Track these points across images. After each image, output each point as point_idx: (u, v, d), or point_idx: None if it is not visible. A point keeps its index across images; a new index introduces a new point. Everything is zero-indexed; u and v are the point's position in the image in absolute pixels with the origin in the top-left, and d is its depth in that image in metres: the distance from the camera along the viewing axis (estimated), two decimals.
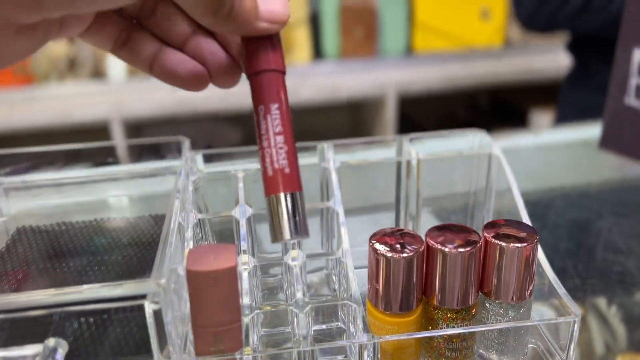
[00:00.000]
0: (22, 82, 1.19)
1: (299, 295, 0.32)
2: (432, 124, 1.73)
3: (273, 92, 0.27)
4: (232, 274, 0.27)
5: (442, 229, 0.30)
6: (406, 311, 0.30)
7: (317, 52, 1.40)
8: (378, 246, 0.29)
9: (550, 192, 0.55)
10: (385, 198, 0.44)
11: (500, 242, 0.29)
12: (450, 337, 0.30)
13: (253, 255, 0.36)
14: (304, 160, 0.45)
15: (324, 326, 0.36)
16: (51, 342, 0.26)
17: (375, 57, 1.39)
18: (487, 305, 0.31)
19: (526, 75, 1.42)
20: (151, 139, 0.40)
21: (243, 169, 0.38)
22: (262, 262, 0.35)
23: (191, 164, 0.38)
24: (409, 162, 0.40)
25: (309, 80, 1.30)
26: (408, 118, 1.56)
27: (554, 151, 0.65)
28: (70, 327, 0.27)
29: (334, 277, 0.39)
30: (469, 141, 0.45)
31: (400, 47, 1.42)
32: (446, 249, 0.29)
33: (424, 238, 0.30)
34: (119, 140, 1.18)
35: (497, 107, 1.67)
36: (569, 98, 0.93)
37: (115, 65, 1.23)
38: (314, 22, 1.39)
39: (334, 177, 0.37)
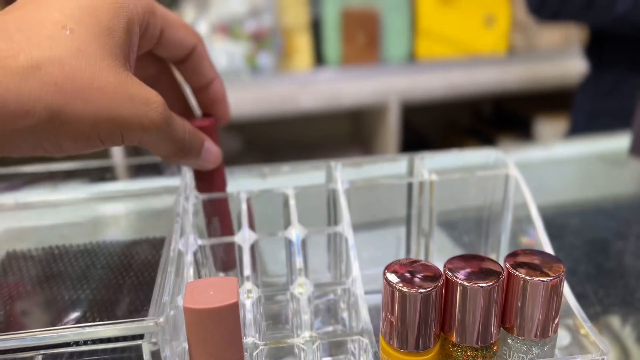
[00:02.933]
0: None
1: (306, 333, 0.30)
2: (434, 132, 1.71)
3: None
4: (233, 310, 0.25)
5: (461, 260, 0.28)
6: (423, 349, 0.28)
7: (319, 58, 1.38)
8: (393, 279, 0.27)
9: (565, 209, 0.53)
10: (393, 214, 0.42)
11: (524, 275, 0.27)
12: None
13: (257, 283, 0.34)
14: (310, 179, 0.43)
15: (331, 359, 0.34)
16: None
17: (377, 64, 1.37)
18: (509, 341, 0.29)
19: (530, 83, 1.40)
20: (152, 157, 0.38)
21: (246, 190, 0.36)
22: (266, 292, 0.32)
23: (191, 184, 0.36)
24: (421, 183, 0.37)
25: (310, 87, 1.28)
26: (410, 126, 1.55)
27: (566, 165, 0.63)
28: None
29: (342, 305, 0.37)
30: (482, 158, 0.43)
31: (403, 54, 1.40)
32: (467, 284, 0.27)
33: (440, 267, 0.28)
34: (119, 159, 1.16)
35: (500, 115, 1.65)
36: (583, 103, 0.91)
37: None
38: (316, 28, 1.37)
39: (342, 200, 0.35)
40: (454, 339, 0.28)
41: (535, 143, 1.47)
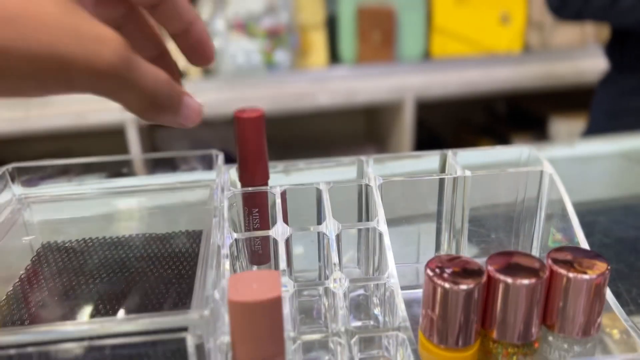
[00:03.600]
0: None
1: (343, 328, 0.30)
2: (448, 130, 1.70)
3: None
4: (277, 304, 0.25)
5: (503, 256, 0.28)
6: (464, 346, 0.28)
7: (334, 56, 1.38)
8: (436, 276, 0.27)
9: (592, 207, 0.52)
10: (421, 210, 0.41)
11: (568, 273, 0.27)
12: None
13: (292, 277, 0.34)
14: (337, 175, 0.43)
15: (365, 355, 0.34)
16: None
17: (392, 62, 1.37)
18: (550, 339, 0.29)
19: (546, 81, 1.39)
20: (184, 152, 0.38)
21: (286, 183, 0.36)
22: (302, 287, 0.32)
23: (227, 177, 0.36)
24: (455, 180, 0.37)
25: (326, 84, 1.28)
26: (424, 124, 1.54)
27: (589, 163, 0.62)
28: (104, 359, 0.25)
29: (375, 300, 0.36)
30: (514, 155, 0.42)
31: (418, 52, 1.39)
32: (509, 280, 0.27)
33: (483, 265, 0.28)
34: (137, 154, 1.16)
35: (514, 114, 1.64)
36: (602, 102, 0.90)
37: None
38: (331, 26, 1.37)
39: (377, 196, 0.35)
40: (494, 335, 0.28)
41: (557, 141, 1.46)
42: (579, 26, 1.46)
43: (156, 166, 0.42)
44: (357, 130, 1.61)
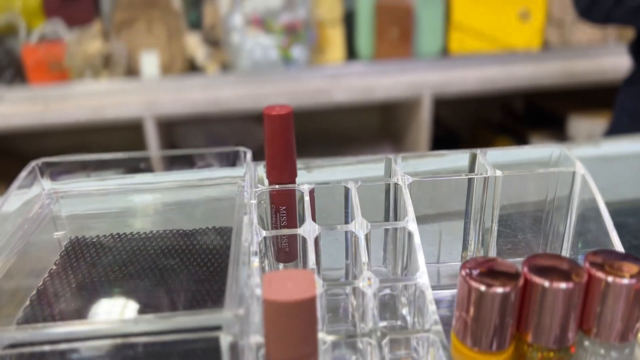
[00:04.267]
0: (57, 79, 1.19)
1: (372, 325, 0.29)
2: (464, 127, 1.69)
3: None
4: (312, 304, 0.25)
5: (540, 258, 0.28)
6: (498, 349, 0.27)
7: (351, 52, 1.37)
8: (471, 278, 0.27)
9: (620, 207, 0.51)
10: (448, 209, 0.41)
11: (607, 277, 0.26)
12: None
13: (319, 275, 0.34)
14: (357, 173, 0.43)
15: (393, 356, 0.33)
16: None
17: (410, 59, 1.36)
18: (586, 343, 0.28)
19: (565, 79, 1.37)
20: (209, 149, 0.38)
21: (308, 181, 0.36)
22: (332, 286, 0.32)
23: (255, 175, 0.36)
24: (486, 179, 0.37)
25: (343, 80, 1.28)
26: (441, 121, 1.53)
27: (615, 163, 0.61)
28: (136, 357, 0.25)
29: (402, 300, 0.36)
30: (543, 154, 0.42)
31: (436, 49, 1.38)
32: (547, 284, 0.26)
33: (519, 268, 0.27)
34: (156, 150, 1.17)
35: (532, 112, 1.62)
36: (626, 102, 0.89)
37: (149, 64, 1.22)
38: (349, 22, 1.36)
39: (406, 195, 0.35)
40: (529, 339, 0.28)
41: (577, 140, 1.44)
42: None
43: (173, 162, 0.42)
44: (373, 126, 1.61)
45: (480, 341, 0.27)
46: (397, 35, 1.34)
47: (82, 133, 1.26)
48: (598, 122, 1.41)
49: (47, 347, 0.24)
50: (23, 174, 0.35)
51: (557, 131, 1.50)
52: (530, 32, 1.42)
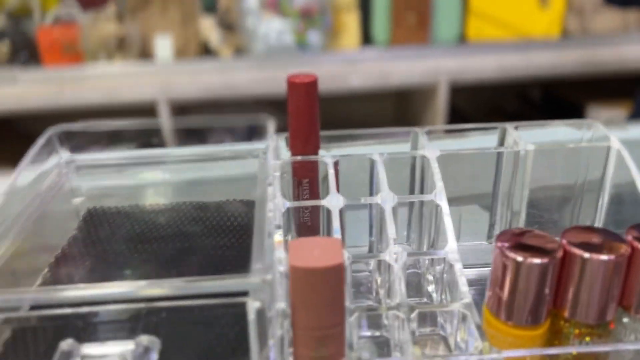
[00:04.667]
0: (71, 61, 1.18)
1: (400, 299, 0.28)
2: (479, 115, 1.67)
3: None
4: (339, 271, 0.24)
5: (580, 231, 0.26)
6: (534, 323, 0.26)
7: (366, 37, 1.35)
8: (507, 249, 0.25)
9: None
10: (476, 186, 0.40)
11: None
12: (581, 355, 0.26)
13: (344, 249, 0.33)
14: (390, 146, 0.41)
15: (418, 332, 0.32)
16: (144, 340, 0.23)
17: (426, 45, 1.34)
18: (624, 320, 0.27)
19: (585, 68, 1.35)
20: (234, 118, 0.37)
21: (333, 154, 0.35)
22: (358, 259, 0.31)
23: (278, 146, 0.35)
24: (516, 155, 0.35)
25: (358, 66, 1.26)
26: (455, 108, 1.51)
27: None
28: (160, 323, 0.24)
29: (428, 277, 0.35)
30: (576, 132, 0.40)
31: (453, 35, 1.36)
32: (587, 256, 0.25)
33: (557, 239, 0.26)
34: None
35: (549, 100, 1.59)
36: None
37: (163, 47, 1.21)
38: (364, 7, 1.34)
39: (435, 168, 0.34)
40: (566, 314, 0.26)
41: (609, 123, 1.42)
42: (621, 11, 1.41)
43: (185, 138, 0.41)
44: (387, 113, 1.59)
45: (515, 315, 0.26)
46: (414, 21, 1.32)
47: (94, 116, 1.26)
48: (617, 112, 1.38)
49: (68, 310, 0.24)
50: (41, 141, 0.34)
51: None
52: (550, 19, 1.39)
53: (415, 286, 0.37)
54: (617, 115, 1.38)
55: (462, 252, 0.41)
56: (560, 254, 0.25)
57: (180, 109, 1.31)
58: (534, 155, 0.36)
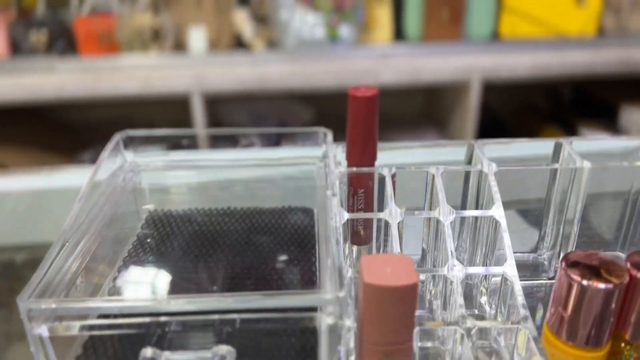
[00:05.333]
0: (107, 51, 1.20)
1: (459, 315, 0.29)
2: (510, 114, 1.65)
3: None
4: (413, 291, 0.25)
5: None
6: (595, 346, 0.27)
7: (399, 32, 1.35)
8: (572, 271, 0.26)
9: None
10: (528, 198, 0.40)
11: None
12: None
13: None
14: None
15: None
16: (222, 349, 0.24)
17: (459, 41, 1.33)
18: None
19: (621, 67, 1.33)
20: (294, 128, 0.38)
21: (387, 164, 0.36)
22: (421, 273, 0.32)
23: (336, 156, 0.35)
24: (575, 170, 0.36)
25: (390, 61, 1.26)
26: (486, 106, 1.50)
27: None
28: (233, 334, 0.25)
29: (482, 290, 0.36)
30: (627, 146, 0.40)
31: (487, 32, 1.35)
32: None
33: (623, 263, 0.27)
34: (200, 129, 1.18)
35: (582, 100, 1.57)
36: None
37: (197, 39, 1.22)
38: (397, 2, 1.33)
39: (493, 183, 0.34)
40: (628, 337, 0.27)
41: (629, 131, 1.40)
42: None
43: (217, 140, 0.42)
44: (417, 110, 1.58)
45: (577, 336, 0.27)
46: (447, 17, 1.31)
47: (128, 106, 1.28)
48: None
49: (146, 319, 0.25)
50: (110, 145, 0.35)
51: (608, 121, 1.46)
52: (586, 17, 1.37)
53: (467, 296, 0.37)
54: None
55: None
56: (626, 279, 0.26)
57: (212, 102, 1.32)
58: (591, 171, 0.36)
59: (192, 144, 0.41)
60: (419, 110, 1.59)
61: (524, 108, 1.64)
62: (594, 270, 0.26)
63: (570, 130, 1.46)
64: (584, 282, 0.25)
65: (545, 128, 1.52)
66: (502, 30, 1.35)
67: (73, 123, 1.42)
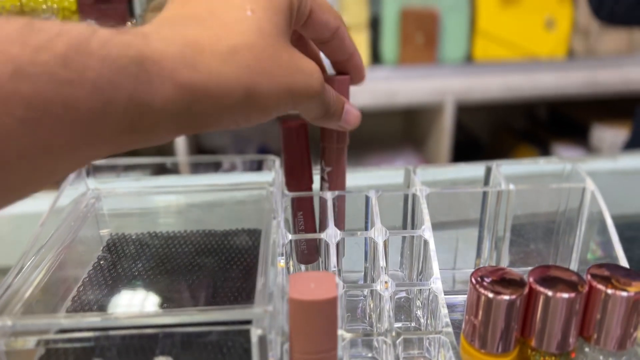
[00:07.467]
0: None
1: (388, 326, 0.32)
2: (486, 134, 1.70)
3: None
4: (333, 304, 0.28)
5: (544, 270, 0.30)
6: (504, 352, 0.29)
7: (375, 57, 1.39)
8: (480, 285, 0.29)
9: (633, 222, 0.53)
10: (463, 217, 0.43)
11: (607, 289, 0.28)
12: None
13: (340, 277, 0.37)
14: (384, 179, 0.45)
15: (406, 355, 0.36)
16: None
17: (434, 64, 1.37)
18: (586, 349, 0.30)
19: (590, 88, 1.38)
20: (245, 156, 0.41)
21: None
22: (351, 288, 0.35)
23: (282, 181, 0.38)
24: (499, 193, 0.39)
25: (366, 85, 1.30)
26: (463, 127, 1.54)
27: (632, 177, 0.62)
28: (174, 346, 0.28)
29: (417, 303, 0.38)
30: (556, 168, 0.44)
31: (461, 55, 1.39)
32: (550, 293, 0.28)
33: (524, 277, 0.30)
34: (182, 156, 1.20)
35: (555, 120, 1.62)
36: None
37: None
38: (374, 27, 1.38)
39: (423, 206, 0.37)
40: (533, 344, 0.30)
41: (600, 149, 1.44)
42: (626, 33, 1.43)
43: (200, 164, 0.45)
44: (395, 131, 1.63)
45: (487, 344, 0.30)
46: (422, 41, 1.36)
47: None
48: (622, 132, 1.40)
49: (90, 334, 0.27)
50: (72, 175, 0.38)
51: (581, 140, 1.50)
52: (556, 40, 1.43)
53: (406, 310, 0.40)
54: (621, 135, 1.41)
55: (457, 277, 0.45)
56: (526, 291, 0.29)
57: None
58: (516, 193, 0.39)
59: (174, 169, 0.45)
60: (398, 132, 1.63)
61: (500, 128, 1.68)
62: (498, 284, 0.29)
63: (544, 148, 1.51)
64: (489, 295, 0.29)
65: (520, 147, 1.56)
66: (475, 53, 1.40)
67: None
